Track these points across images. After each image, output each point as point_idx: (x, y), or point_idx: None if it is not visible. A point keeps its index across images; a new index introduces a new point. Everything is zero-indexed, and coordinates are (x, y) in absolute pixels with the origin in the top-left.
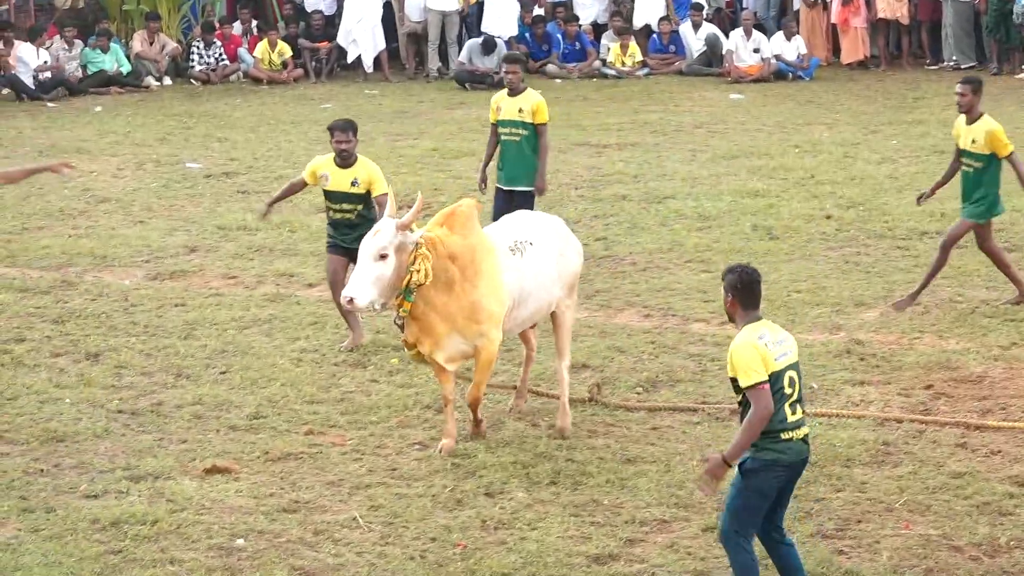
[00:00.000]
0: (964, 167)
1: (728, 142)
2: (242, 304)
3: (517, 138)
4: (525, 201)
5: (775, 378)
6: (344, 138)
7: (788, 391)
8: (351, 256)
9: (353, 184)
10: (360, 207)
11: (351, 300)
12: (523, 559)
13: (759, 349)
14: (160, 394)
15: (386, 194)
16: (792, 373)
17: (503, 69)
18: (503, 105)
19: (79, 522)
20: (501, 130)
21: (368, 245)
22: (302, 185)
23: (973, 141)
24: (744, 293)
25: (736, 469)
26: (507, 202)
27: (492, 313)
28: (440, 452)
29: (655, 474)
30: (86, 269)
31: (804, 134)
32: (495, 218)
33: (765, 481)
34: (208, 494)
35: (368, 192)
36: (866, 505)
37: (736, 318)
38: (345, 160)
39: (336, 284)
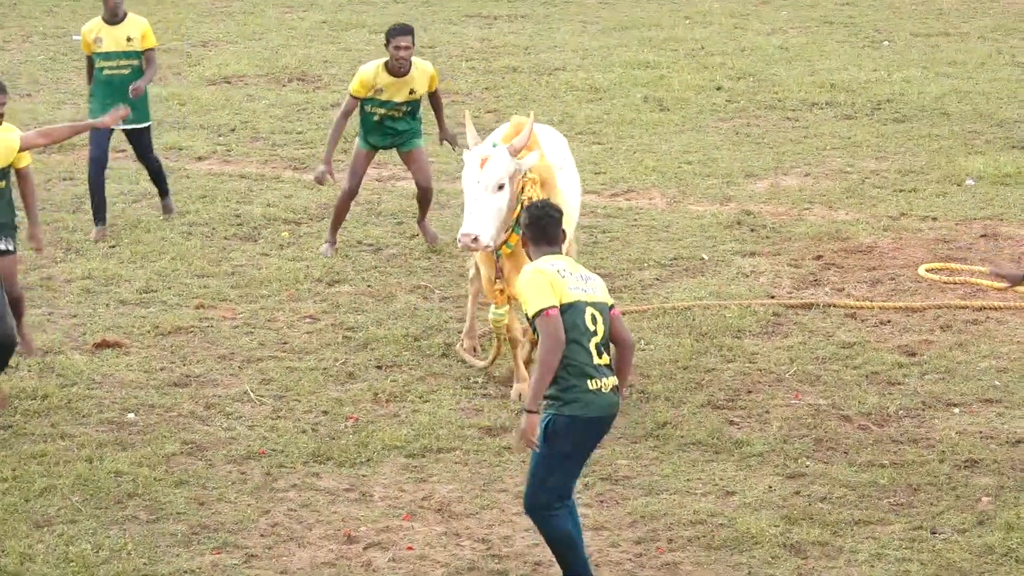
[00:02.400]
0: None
1: (619, 13)
2: (131, 178)
3: (127, 70)
4: (142, 138)
5: (571, 309)
6: None
7: (590, 327)
8: None
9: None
10: None
11: (475, 239)
12: (415, 431)
13: (548, 275)
14: (49, 268)
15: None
16: (595, 311)
17: None
18: (103, 36)
19: None
20: (104, 63)
21: (485, 176)
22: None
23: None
24: (533, 229)
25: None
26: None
27: (569, 238)
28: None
29: None
30: None
31: (694, 5)
32: (94, 169)
33: (573, 441)
34: (99, 369)
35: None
36: (756, 376)
37: (532, 256)
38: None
39: None
